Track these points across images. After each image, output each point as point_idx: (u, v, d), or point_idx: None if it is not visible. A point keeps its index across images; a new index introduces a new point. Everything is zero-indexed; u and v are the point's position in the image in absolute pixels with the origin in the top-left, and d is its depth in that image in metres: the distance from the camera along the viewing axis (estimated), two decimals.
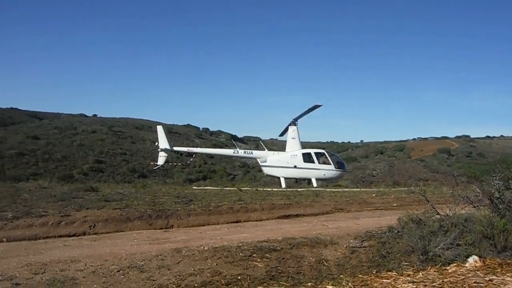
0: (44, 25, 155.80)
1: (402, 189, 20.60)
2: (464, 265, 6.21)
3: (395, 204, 14.90)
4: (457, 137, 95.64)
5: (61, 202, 11.17)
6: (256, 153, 27.44)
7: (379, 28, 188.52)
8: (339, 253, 7.79)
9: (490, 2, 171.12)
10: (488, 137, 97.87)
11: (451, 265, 6.27)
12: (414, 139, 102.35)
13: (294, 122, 26.47)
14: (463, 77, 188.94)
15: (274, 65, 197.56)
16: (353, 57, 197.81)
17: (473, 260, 6.31)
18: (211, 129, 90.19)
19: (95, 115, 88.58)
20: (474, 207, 8.52)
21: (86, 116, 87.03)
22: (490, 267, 6.04)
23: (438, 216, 8.42)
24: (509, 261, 6.34)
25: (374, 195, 17.11)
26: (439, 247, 6.91)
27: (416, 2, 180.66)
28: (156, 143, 27.16)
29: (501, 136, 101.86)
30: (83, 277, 5.96)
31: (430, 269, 6.18)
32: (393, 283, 5.48)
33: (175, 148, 28.24)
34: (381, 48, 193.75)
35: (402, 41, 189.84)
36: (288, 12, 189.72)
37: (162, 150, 26.76)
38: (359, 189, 21.15)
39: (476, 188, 8.67)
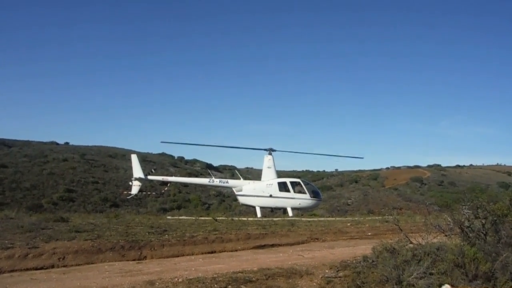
0: (8, 54, 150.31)
1: (377, 218, 20.85)
2: None
3: (369, 233, 15.04)
4: (429, 166, 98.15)
5: (28, 233, 10.80)
6: (231, 182, 27.55)
7: (346, 52, 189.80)
8: (314, 284, 7.80)
9: (462, 36, 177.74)
10: (458, 166, 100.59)
11: None
12: (388, 168, 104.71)
13: (270, 152, 26.72)
14: (433, 106, 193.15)
15: (251, 93, 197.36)
16: (327, 84, 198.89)
17: None
18: (186, 158, 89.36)
19: (67, 143, 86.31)
20: (446, 235, 8.63)
21: (58, 144, 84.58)
22: None
23: (411, 245, 8.50)
24: None
25: (349, 224, 17.20)
26: (412, 276, 6.94)
27: (393, 28, 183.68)
28: (132, 177, 27.46)
29: (471, 165, 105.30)
30: None
31: None
32: None
33: (149, 177, 28.19)
34: (355, 76, 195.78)
35: (372, 65, 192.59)
36: (264, 40, 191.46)
37: (136, 179, 26.94)
38: (334, 218, 21.29)
39: (447, 217, 8.85)
